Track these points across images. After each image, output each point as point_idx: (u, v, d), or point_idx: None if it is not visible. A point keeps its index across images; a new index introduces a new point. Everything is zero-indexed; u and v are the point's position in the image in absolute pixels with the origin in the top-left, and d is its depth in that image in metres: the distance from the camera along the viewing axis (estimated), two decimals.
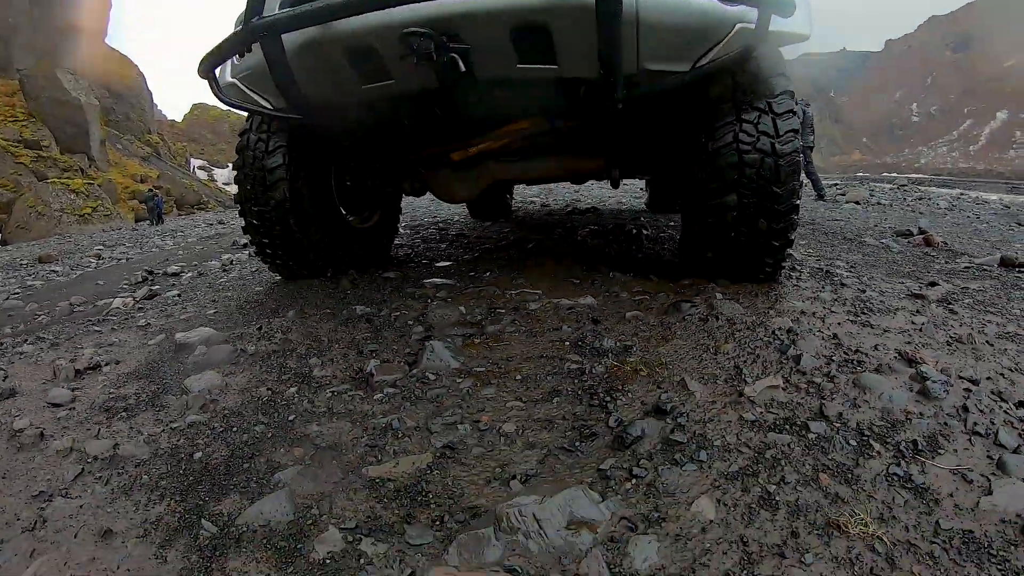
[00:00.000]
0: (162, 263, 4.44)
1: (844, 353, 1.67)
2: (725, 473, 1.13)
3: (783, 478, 1.10)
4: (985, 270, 2.64)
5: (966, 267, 2.72)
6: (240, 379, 1.88)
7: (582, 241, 4.01)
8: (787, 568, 0.87)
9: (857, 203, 5.73)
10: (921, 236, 3.33)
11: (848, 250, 3.15)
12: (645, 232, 4.10)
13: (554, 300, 2.36)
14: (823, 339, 1.79)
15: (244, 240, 5.34)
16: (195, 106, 44.91)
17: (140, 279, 3.83)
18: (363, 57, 1.99)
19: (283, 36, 1.93)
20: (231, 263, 4.24)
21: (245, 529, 1.17)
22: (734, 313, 2.05)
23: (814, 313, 2.05)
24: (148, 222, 18.27)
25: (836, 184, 9.24)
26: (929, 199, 5.94)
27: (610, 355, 1.78)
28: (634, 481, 1.13)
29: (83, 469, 1.41)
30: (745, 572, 0.87)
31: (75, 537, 1.17)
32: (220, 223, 8.56)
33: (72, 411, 1.72)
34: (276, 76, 2.03)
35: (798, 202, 2.17)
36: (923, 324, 1.90)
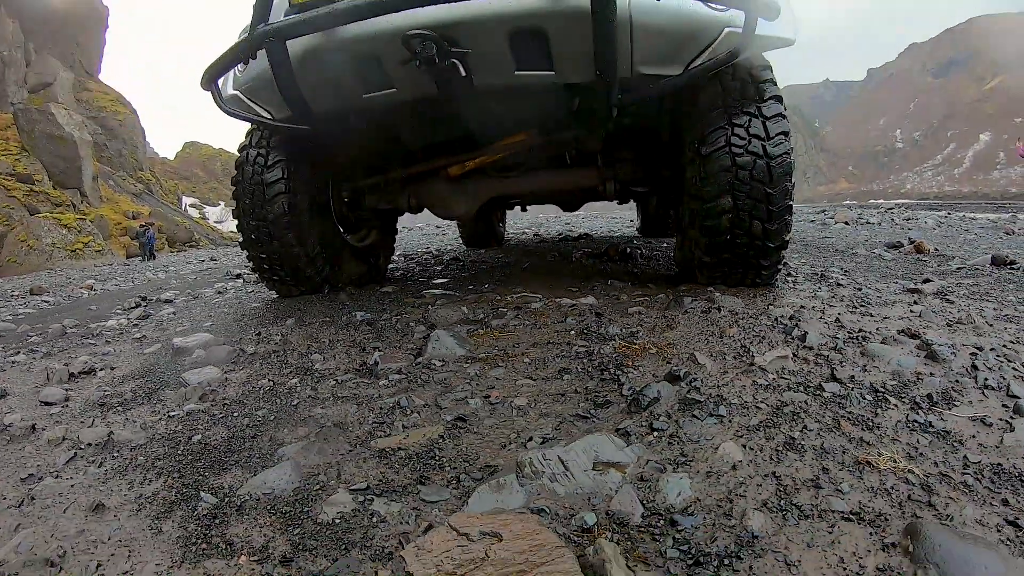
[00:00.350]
0: (156, 291, 4.40)
1: (848, 332, 1.68)
2: (747, 425, 1.11)
3: (805, 426, 1.09)
4: (977, 269, 2.70)
5: (959, 268, 2.78)
6: (240, 374, 1.83)
7: (577, 261, 4.06)
8: (825, 497, 0.85)
9: (846, 223, 5.89)
10: (912, 245, 3.41)
11: (841, 259, 3.22)
12: (640, 251, 4.16)
13: (555, 300, 2.37)
14: (826, 323, 1.80)
15: (238, 271, 5.32)
16: (187, 144, 45.19)
17: (134, 304, 3.78)
18: (365, 64, 2.04)
19: (288, 43, 1.96)
20: (226, 289, 4.21)
21: (247, 498, 1.11)
22: (735, 306, 2.06)
23: (813, 307, 2.07)
24: (140, 258, 18.08)
25: (824, 211, 9.51)
26: (917, 219, 6.13)
27: (616, 339, 1.77)
28: (656, 433, 1.10)
29: (76, 454, 1.34)
30: (783, 501, 0.84)
31: (64, 512, 1.11)
32: (212, 259, 8.54)
33: (65, 408, 1.66)
34: (280, 83, 2.06)
35: (791, 203, 2.21)
36: (922, 311, 1.92)
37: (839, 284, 2.51)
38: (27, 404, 1.68)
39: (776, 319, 1.85)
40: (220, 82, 2.32)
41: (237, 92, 2.40)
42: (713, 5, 1.78)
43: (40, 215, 20.14)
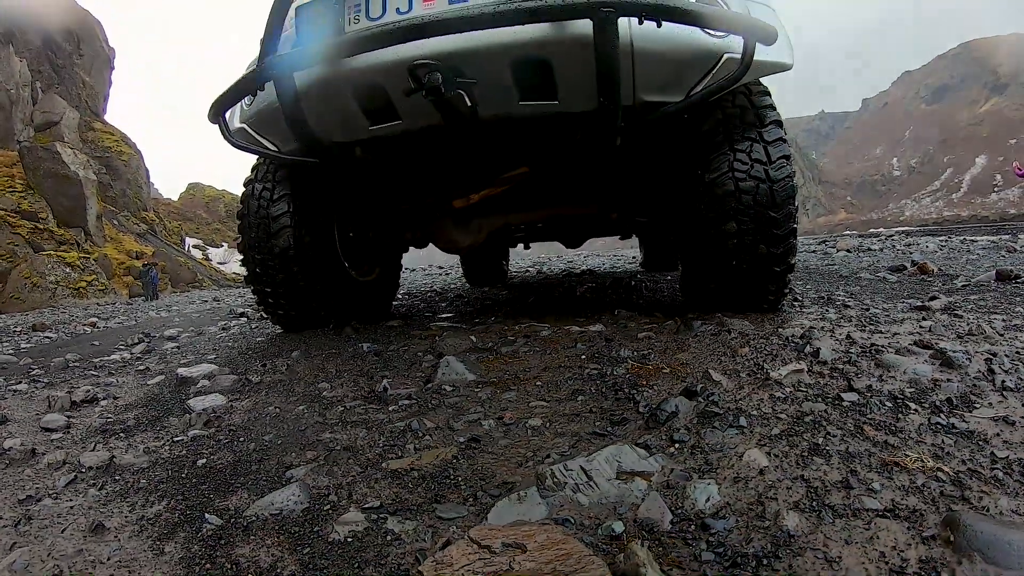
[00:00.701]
0: (159, 328, 4.39)
1: (860, 347, 1.67)
2: (768, 435, 1.09)
3: (828, 433, 1.06)
4: (983, 285, 2.70)
5: (964, 285, 2.79)
6: (246, 402, 1.80)
7: (582, 295, 4.07)
8: (857, 497, 0.82)
9: (848, 251, 5.94)
10: (916, 267, 3.43)
11: (846, 284, 3.23)
12: (644, 284, 4.18)
13: (564, 328, 2.36)
14: (837, 340, 1.79)
15: (242, 309, 5.32)
16: (191, 185, 45.23)
17: (137, 340, 3.77)
18: (371, 95, 2.07)
19: (295, 75, 1.98)
20: (230, 326, 4.20)
21: (254, 519, 1.07)
22: (745, 328, 2.06)
23: (823, 327, 2.05)
24: (143, 297, 17.97)
25: (825, 241, 9.61)
26: (918, 244, 6.19)
27: (629, 361, 1.75)
28: (677, 445, 1.07)
29: (76, 477, 1.31)
30: (815, 502, 0.81)
31: (62, 532, 1.06)
32: (215, 300, 8.56)
33: (67, 434, 1.63)
34: (288, 115, 2.08)
35: (795, 226, 2.21)
36: (931, 326, 1.91)
37: (846, 306, 2.51)
38: (28, 430, 1.65)
39: (787, 338, 1.84)
40: (227, 115, 2.33)
41: (243, 125, 2.43)
42: (711, 32, 1.84)
43: (44, 253, 20.23)
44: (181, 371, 2.16)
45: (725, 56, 1.87)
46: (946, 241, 6.46)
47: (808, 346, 1.70)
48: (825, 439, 1.04)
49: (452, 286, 6.18)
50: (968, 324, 1.88)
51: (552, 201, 3.03)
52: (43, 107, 28.04)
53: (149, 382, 2.23)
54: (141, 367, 2.57)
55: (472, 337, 2.31)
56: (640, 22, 1.73)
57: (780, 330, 2.03)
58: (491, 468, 1.16)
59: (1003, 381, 1.23)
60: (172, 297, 15.74)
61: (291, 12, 2.06)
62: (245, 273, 2.95)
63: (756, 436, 1.09)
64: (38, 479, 1.31)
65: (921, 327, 1.92)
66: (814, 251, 6.70)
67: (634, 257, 7.87)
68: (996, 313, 2.00)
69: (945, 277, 3.16)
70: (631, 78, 1.90)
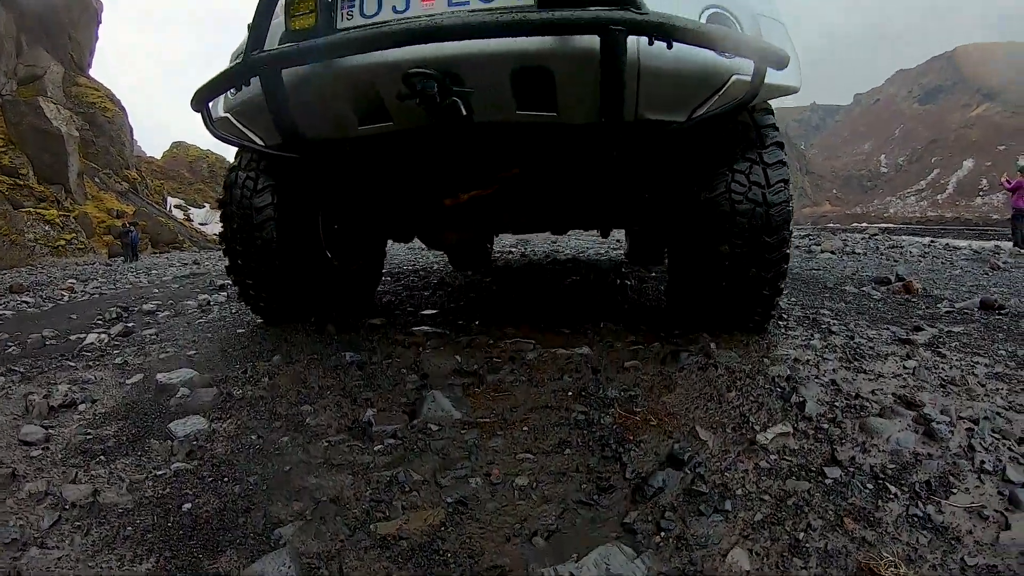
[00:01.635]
0: (137, 300, 4.28)
1: (845, 399, 1.70)
2: (751, 523, 1.12)
3: (809, 524, 1.09)
4: (966, 314, 2.77)
5: (947, 311, 2.85)
6: (228, 425, 1.78)
7: (567, 288, 4.05)
8: None
9: (832, 253, 6.00)
10: (900, 283, 3.48)
11: (830, 299, 3.28)
12: (629, 283, 4.16)
13: (551, 350, 2.34)
14: (822, 385, 1.82)
15: (221, 281, 5.20)
16: (174, 144, 43.11)
17: (115, 316, 3.69)
18: (362, 96, 1.96)
19: (283, 71, 1.86)
20: (209, 304, 4.11)
21: None
22: (731, 362, 2.06)
23: (808, 360, 2.09)
24: (122, 258, 17.51)
25: (809, 235, 9.70)
26: (901, 247, 6.28)
27: (616, 405, 1.76)
28: (663, 535, 1.10)
29: (60, 516, 1.29)
30: None
31: None
32: (195, 263, 8.37)
33: (47, 451, 1.61)
34: (273, 112, 1.97)
35: (788, 252, 2.18)
36: (915, 368, 1.95)
37: (831, 331, 2.53)
38: (6, 442, 1.63)
39: (773, 380, 1.86)
40: (211, 103, 2.20)
41: (227, 115, 2.30)
42: (721, 53, 1.73)
43: (23, 209, 19.45)
44: (160, 377, 2.12)
45: (733, 78, 1.78)
46: (929, 246, 6.56)
47: (795, 395, 1.72)
48: (806, 533, 1.07)
49: (435, 267, 6.08)
50: (951, 368, 1.92)
51: (543, 204, 2.95)
52: (27, 60, 26.15)
53: (128, 382, 2.19)
54: (119, 359, 2.52)
55: (457, 357, 2.29)
56: (650, 42, 1.64)
57: (765, 362, 2.06)
58: (479, 543, 1.18)
59: (982, 462, 1.28)
60: (152, 259, 15.32)
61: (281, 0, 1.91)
62: (227, 264, 2.86)
63: (740, 524, 1.11)
64: (21, 513, 1.29)
65: (905, 368, 1.96)
66: (797, 246, 6.75)
67: (618, 240, 7.82)
68: (979, 354, 2.06)
69: (929, 299, 3.22)
70: (635, 95, 1.80)
